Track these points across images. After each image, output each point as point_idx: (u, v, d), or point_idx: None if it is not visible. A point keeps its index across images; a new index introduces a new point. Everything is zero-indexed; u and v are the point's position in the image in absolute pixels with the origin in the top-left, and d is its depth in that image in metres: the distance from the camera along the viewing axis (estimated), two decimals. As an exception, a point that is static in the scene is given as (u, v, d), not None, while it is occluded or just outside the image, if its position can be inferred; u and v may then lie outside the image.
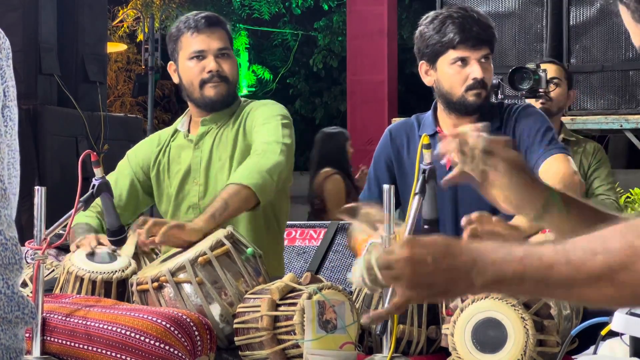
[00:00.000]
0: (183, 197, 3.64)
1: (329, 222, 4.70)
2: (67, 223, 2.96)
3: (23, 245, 2.98)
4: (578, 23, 6.46)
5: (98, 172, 3.06)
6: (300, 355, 2.68)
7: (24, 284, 3.12)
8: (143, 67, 13.08)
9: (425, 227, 2.84)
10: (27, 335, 2.77)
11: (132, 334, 2.72)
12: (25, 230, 3.74)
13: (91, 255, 3.15)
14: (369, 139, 8.68)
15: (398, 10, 10.94)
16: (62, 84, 8.45)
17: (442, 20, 3.33)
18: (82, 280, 3.05)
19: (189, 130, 3.70)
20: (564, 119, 5.80)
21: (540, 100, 4.77)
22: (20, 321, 1.79)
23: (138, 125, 9.64)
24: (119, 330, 2.74)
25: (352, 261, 4.23)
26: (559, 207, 1.93)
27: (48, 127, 8.23)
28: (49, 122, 8.25)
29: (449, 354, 2.64)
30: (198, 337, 2.73)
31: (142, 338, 2.71)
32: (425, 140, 2.82)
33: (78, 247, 3.23)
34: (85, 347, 2.78)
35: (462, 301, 2.63)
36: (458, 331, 2.59)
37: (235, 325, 2.82)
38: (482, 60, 3.33)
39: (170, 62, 3.71)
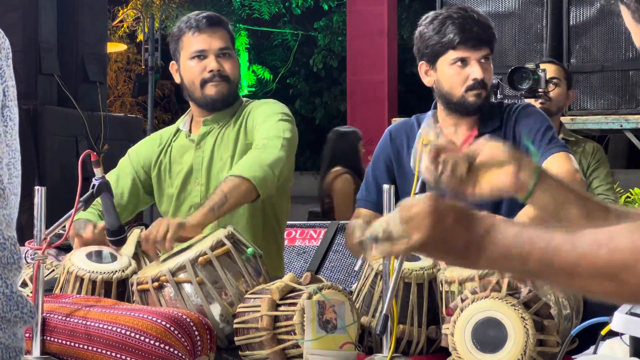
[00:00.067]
0: (185, 197, 3.64)
1: (329, 222, 4.71)
2: (67, 223, 2.96)
3: (23, 245, 2.98)
4: (578, 23, 6.46)
5: (98, 172, 3.06)
6: (300, 355, 2.68)
7: (24, 284, 3.12)
8: (143, 67, 13.09)
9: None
10: (27, 335, 2.77)
11: (132, 334, 2.72)
12: (25, 230, 3.74)
13: (91, 255, 3.15)
14: (369, 139, 8.67)
15: (398, 10, 10.94)
16: (62, 84, 8.45)
17: (442, 21, 3.33)
18: (82, 280, 3.05)
19: (190, 130, 3.71)
20: (564, 119, 5.80)
21: (540, 100, 4.77)
22: (20, 320, 1.79)
23: (138, 125, 9.64)
24: (119, 330, 2.74)
25: (352, 261, 4.24)
26: (549, 177, 1.96)
27: (48, 127, 8.23)
28: (49, 122, 8.25)
29: (449, 354, 2.64)
30: (198, 337, 2.73)
31: (142, 338, 2.71)
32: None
33: (79, 238, 3.22)
34: (85, 347, 2.78)
35: (462, 301, 2.63)
36: (458, 331, 2.59)
37: (235, 325, 2.82)
38: (482, 60, 3.34)
39: (172, 62, 3.71)
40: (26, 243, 3.03)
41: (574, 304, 2.82)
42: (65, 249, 3.37)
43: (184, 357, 2.70)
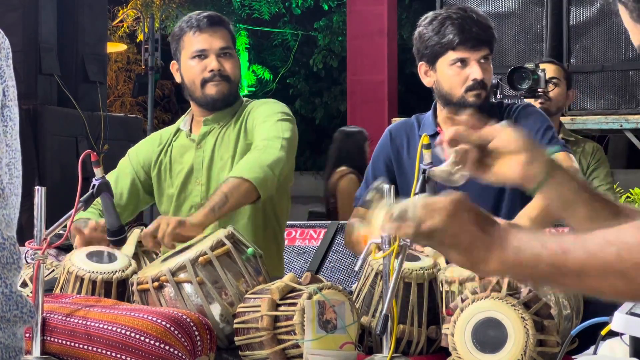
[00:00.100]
0: (185, 197, 3.64)
1: (329, 222, 4.70)
2: (67, 223, 2.96)
3: (23, 245, 2.98)
4: (578, 23, 6.46)
5: (98, 172, 3.06)
6: (300, 355, 2.68)
7: (24, 284, 3.12)
8: (143, 67, 13.09)
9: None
10: (27, 335, 2.77)
11: (132, 334, 2.72)
12: (25, 230, 3.74)
13: (91, 255, 3.15)
14: (369, 139, 8.67)
15: (398, 10, 10.94)
16: (62, 84, 8.45)
17: (441, 21, 3.33)
18: (82, 280, 3.05)
19: (191, 130, 3.71)
20: (564, 119, 5.80)
21: (539, 100, 4.77)
22: (19, 320, 1.79)
23: (138, 125, 9.64)
24: (119, 330, 2.74)
25: (352, 261, 4.23)
26: (561, 173, 1.95)
27: (48, 127, 8.23)
28: (49, 122, 8.25)
29: (449, 354, 2.64)
30: (198, 337, 2.73)
31: (142, 338, 2.71)
32: (425, 140, 2.82)
33: (81, 234, 3.23)
34: (85, 347, 2.78)
35: (462, 301, 2.63)
36: (458, 331, 2.59)
37: (235, 325, 2.82)
38: (482, 60, 3.33)
39: (173, 62, 3.71)
40: (26, 243, 3.03)
41: (574, 304, 2.82)
42: (65, 249, 3.37)
43: (184, 357, 2.70)
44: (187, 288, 2.93)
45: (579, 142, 4.86)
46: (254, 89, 16.03)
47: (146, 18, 12.94)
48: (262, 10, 15.18)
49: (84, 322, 2.80)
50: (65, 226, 2.97)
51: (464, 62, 3.33)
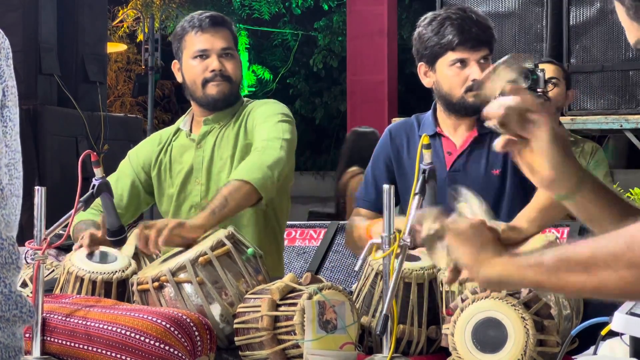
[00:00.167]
0: (185, 197, 3.64)
1: (329, 222, 4.70)
2: (67, 223, 2.96)
3: (23, 245, 2.98)
4: (578, 23, 6.46)
5: (98, 172, 3.06)
6: (301, 356, 2.68)
7: (24, 284, 3.13)
8: (143, 67, 13.08)
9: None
10: (27, 335, 2.77)
11: (132, 334, 2.72)
12: (25, 230, 3.74)
13: (91, 255, 3.15)
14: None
15: (398, 10, 10.94)
16: (62, 84, 8.45)
17: (441, 22, 3.33)
18: (82, 280, 3.06)
19: (191, 130, 3.71)
20: (564, 119, 5.80)
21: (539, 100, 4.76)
22: (18, 320, 1.79)
23: (138, 125, 9.64)
24: (119, 330, 2.74)
25: (352, 261, 4.23)
26: (589, 192, 1.93)
27: (48, 127, 8.23)
28: (49, 122, 8.25)
29: (449, 354, 2.64)
30: (198, 337, 2.74)
31: (142, 338, 2.71)
32: (425, 140, 2.82)
33: (81, 245, 3.23)
34: (85, 347, 2.78)
35: (463, 301, 2.63)
36: (458, 331, 2.59)
37: (235, 325, 2.82)
38: (482, 61, 3.33)
39: (174, 61, 3.71)
40: (26, 243, 3.03)
41: (574, 304, 2.82)
42: (66, 249, 3.37)
43: (184, 357, 2.70)
44: (187, 288, 2.93)
45: (578, 142, 4.86)
46: (254, 89, 16.02)
47: (146, 18, 12.94)
48: (262, 10, 15.17)
49: (84, 322, 2.80)
50: (65, 226, 2.97)
51: (463, 63, 3.33)
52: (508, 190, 3.33)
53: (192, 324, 2.74)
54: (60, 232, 3.03)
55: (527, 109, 1.91)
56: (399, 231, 2.73)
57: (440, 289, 2.82)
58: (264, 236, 3.58)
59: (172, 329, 2.71)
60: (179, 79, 3.72)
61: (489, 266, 1.68)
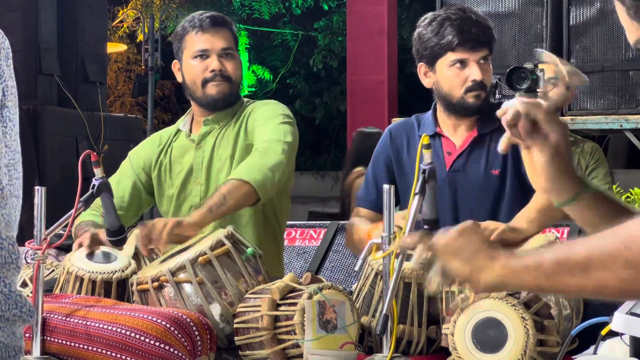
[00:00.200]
0: (185, 197, 3.64)
1: (329, 222, 4.70)
2: (67, 223, 2.96)
3: (23, 245, 2.98)
4: (578, 23, 6.46)
5: (98, 172, 3.06)
6: (301, 355, 2.68)
7: (24, 284, 3.13)
8: (143, 67, 13.08)
9: (425, 227, 2.84)
10: (27, 335, 2.77)
11: (132, 334, 2.72)
12: (25, 230, 3.74)
13: (91, 255, 3.15)
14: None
15: (398, 10, 10.93)
16: (62, 84, 8.45)
17: (440, 22, 3.33)
18: (82, 280, 3.06)
19: (190, 130, 3.71)
20: (564, 119, 5.80)
21: (539, 100, 4.76)
22: (18, 319, 1.79)
23: (138, 126, 9.64)
24: (119, 330, 2.74)
25: (352, 261, 4.24)
26: (589, 202, 1.93)
27: (48, 127, 8.23)
28: (49, 122, 8.25)
29: (449, 354, 2.64)
30: (198, 337, 2.74)
31: (142, 338, 2.71)
32: (425, 140, 2.82)
33: (80, 245, 3.23)
34: (85, 347, 2.78)
35: (463, 301, 2.63)
36: (458, 331, 2.59)
37: (235, 325, 2.82)
38: (481, 61, 3.33)
39: (175, 61, 3.71)
40: (26, 243, 3.03)
41: (574, 304, 2.82)
42: (65, 249, 3.37)
43: (184, 357, 2.70)
44: (187, 288, 2.93)
45: (578, 142, 4.86)
46: (254, 89, 16.03)
47: (146, 18, 12.94)
48: (262, 11, 15.17)
49: (84, 322, 2.80)
50: (65, 226, 2.97)
51: (463, 63, 3.33)
52: (508, 191, 3.33)
53: (192, 324, 2.74)
54: (60, 232, 3.03)
55: (540, 119, 1.95)
56: (400, 228, 2.73)
57: (440, 288, 2.82)
58: (263, 236, 3.58)
59: (172, 328, 2.71)
60: (179, 79, 3.72)
61: (486, 273, 1.67)
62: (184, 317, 2.75)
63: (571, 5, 6.46)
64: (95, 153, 3.08)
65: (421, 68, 3.41)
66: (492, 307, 2.57)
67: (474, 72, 3.31)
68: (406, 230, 2.71)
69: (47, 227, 2.88)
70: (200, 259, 2.94)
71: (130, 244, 3.25)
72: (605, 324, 2.34)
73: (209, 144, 3.63)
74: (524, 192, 3.18)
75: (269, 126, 3.48)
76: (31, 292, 2.85)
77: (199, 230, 3.12)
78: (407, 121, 3.56)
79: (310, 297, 2.69)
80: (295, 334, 2.69)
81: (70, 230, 3.08)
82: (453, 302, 2.68)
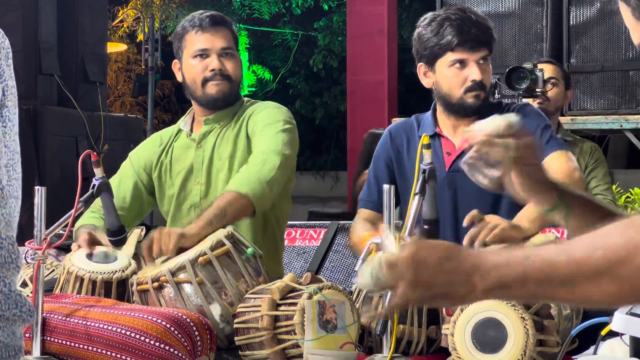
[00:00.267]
0: (185, 196, 3.64)
1: (329, 222, 4.70)
2: (67, 223, 2.96)
3: (23, 245, 2.98)
4: (578, 23, 6.46)
5: (98, 172, 3.06)
6: (301, 355, 2.68)
7: (24, 284, 3.13)
8: (143, 67, 13.08)
9: (425, 227, 2.84)
10: (27, 335, 2.77)
11: (132, 334, 2.72)
12: (25, 230, 3.74)
13: (91, 255, 3.15)
14: (364, 138, 8.67)
15: (398, 10, 10.93)
16: (62, 84, 8.45)
17: (440, 22, 3.33)
18: (82, 280, 3.06)
19: (191, 130, 3.71)
20: (564, 119, 5.80)
21: (538, 100, 4.77)
22: (18, 319, 1.79)
23: (138, 125, 9.63)
24: (119, 330, 2.74)
25: (352, 261, 4.24)
26: (566, 212, 1.93)
27: (48, 127, 8.23)
28: (49, 122, 8.24)
29: (449, 354, 2.64)
30: (198, 337, 2.74)
31: (142, 338, 2.71)
32: (425, 140, 2.82)
33: (79, 246, 3.23)
34: (85, 347, 2.78)
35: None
36: (458, 331, 2.59)
37: (235, 325, 2.83)
38: (481, 61, 3.33)
39: (175, 61, 3.71)
40: (26, 243, 3.03)
41: (578, 306, 2.82)
42: (65, 249, 3.37)
43: (184, 357, 2.70)
44: (187, 288, 2.93)
45: (577, 142, 4.86)
46: (254, 89, 16.03)
47: (146, 18, 12.94)
48: (262, 10, 15.17)
49: (84, 322, 2.80)
50: (65, 226, 2.97)
51: (462, 63, 3.33)
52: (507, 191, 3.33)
53: (192, 324, 2.74)
54: (60, 232, 3.03)
55: (501, 135, 1.95)
56: (400, 227, 2.74)
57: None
58: (264, 237, 3.58)
59: (172, 328, 2.71)
60: (180, 78, 3.72)
61: (469, 299, 1.62)
62: (184, 317, 2.75)
63: (571, 5, 6.46)
64: (95, 153, 3.08)
65: (421, 68, 3.41)
66: (491, 307, 2.57)
67: (473, 72, 3.31)
68: (406, 230, 2.71)
69: (47, 227, 2.88)
70: (200, 259, 2.94)
71: (131, 244, 3.25)
72: (605, 324, 2.34)
73: (209, 144, 3.63)
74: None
75: (268, 134, 3.47)
76: (31, 292, 2.85)
77: (198, 241, 3.11)
78: (406, 121, 3.57)
79: (310, 297, 2.69)
80: (295, 334, 2.69)
81: (70, 230, 3.08)
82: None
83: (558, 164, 3.20)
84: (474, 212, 2.96)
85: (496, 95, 4.96)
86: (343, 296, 2.74)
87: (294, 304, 2.71)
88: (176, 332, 2.71)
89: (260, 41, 16.43)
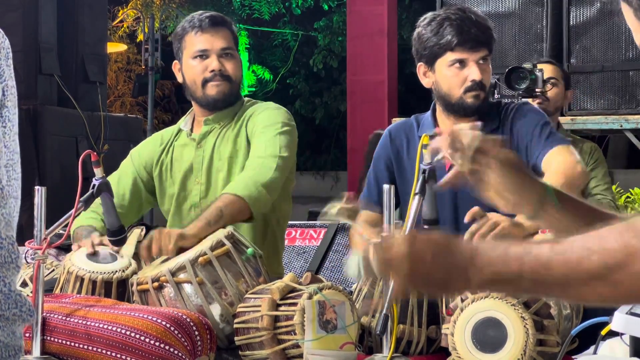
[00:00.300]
0: (185, 196, 3.64)
1: (329, 222, 4.71)
2: (67, 223, 2.96)
3: (23, 245, 2.99)
4: (578, 23, 6.46)
5: (98, 172, 3.07)
6: (301, 355, 2.68)
7: (24, 284, 3.13)
8: (143, 67, 13.08)
9: (425, 227, 2.84)
10: (27, 335, 2.77)
11: (132, 334, 2.72)
12: (25, 230, 3.75)
13: (91, 255, 3.15)
14: (369, 139, 8.67)
15: (398, 10, 10.93)
16: (62, 84, 8.45)
17: (440, 22, 3.33)
18: (82, 280, 3.06)
19: (192, 130, 3.71)
20: (564, 119, 5.81)
21: (537, 100, 4.77)
22: (18, 318, 1.79)
23: (138, 126, 9.63)
24: (119, 330, 2.74)
25: (352, 261, 4.24)
26: (555, 201, 1.92)
27: (48, 127, 8.23)
28: (49, 122, 8.24)
29: (449, 354, 2.64)
30: (198, 337, 2.74)
31: (142, 338, 2.71)
32: (425, 140, 2.82)
33: (79, 246, 3.23)
34: (85, 347, 2.78)
35: (462, 301, 2.63)
36: (458, 331, 2.59)
37: (235, 325, 2.83)
38: (481, 61, 3.33)
39: (175, 61, 3.72)
40: (26, 243, 3.03)
41: (574, 304, 2.82)
42: (65, 249, 3.37)
43: (184, 357, 2.70)
44: (187, 288, 2.94)
45: (577, 142, 4.86)
46: (254, 89, 16.03)
47: (146, 18, 12.93)
48: (262, 10, 15.17)
49: (84, 322, 2.80)
50: (65, 226, 2.98)
51: (462, 63, 3.33)
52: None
53: (192, 324, 2.74)
54: (60, 232, 3.03)
55: (477, 143, 1.95)
56: (400, 227, 2.74)
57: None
58: (264, 238, 3.58)
59: (172, 328, 2.71)
60: (180, 79, 3.72)
61: (465, 291, 1.63)
62: (184, 317, 2.75)
63: (571, 5, 6.46)
64: (95, 153, 3.08)
65: (420, 68, 3.41)
66: (491, 307, 2.57)
67: (473, 72, 3.31)
68: (406, 231, 2.71)
69: (47, 227, 2.88)
70: (200, 259, 2.94)
71: (131, 244, 3.25)
72: (605, 324, 2.34)
73: (209, 144, 3.63)
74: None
75: (266, 137, 3.48)
76: (31, 292, 2.85)
77: (197, 242, 3.12)
78: (406, 122, 3.57)
79: (310, 297, 2.69)
80: (295, 334, 2.69)
81: (70, 230, 3.09)
82: (453, 301, 2.68)
83: (560, 159, 3.19)
84: (476, 208, 2.96)
85: (496, 96, 4.96)
86: (343, 296, 2.74)
87: (294, 304, 2.71)
88: (176, 332, 2.71)
89: (260, 41, 16.43)
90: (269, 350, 2.73)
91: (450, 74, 3.33)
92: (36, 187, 2.85)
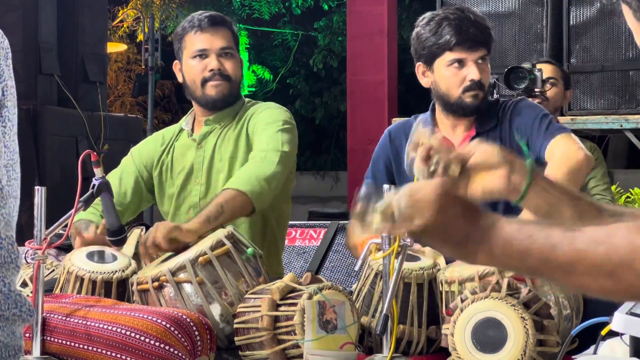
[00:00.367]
0: (185, 196, 3.64)
1: (329, 222, 4.71)
2: (67, 223, 2.96)
3: (23, 245, 2.98)
4: (578, 23, 6.46)
5: (98, 172, 3.07)
6: (301, 356, 2.68)
7: (24, 284, 3.13)
8: (143, 67, 13.08)
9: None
10: (27, 335, 2.77)
11: (132, 334, 2.72)
12: (25, 230, 3.75)
13: (91, 255, 3.16)
14: (369, 139, 8.65)
15: (398, 10, 10.92)
16: (62, 84, 8.45)
17: (439, 22, 3.33)
18: (82, 280, 3.06)
19: (192, 130, 3.71)
20: (564, 119, 5.80)
21: (537, 100, 4.77)
22: (18, 319, 1.79)
23: (138, 125, 9.63)
24: (119, 330, 2.74)
25: (352, 261, 4.24)
26: (528, 180, 1.93)
27: (48, 127, 8.23)
28: (49, 122, 8.24)
29: (449, 354, 2.64)
30: (198, 337, 2.74)
31: (142, 338, 2.71)
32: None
33: (81, 237, 3.23)
34: (85, 347, 2.78)
35: (462, 301, 2.63)
36: (458, 331, 2.59)
37: (235, 325, 2.83)
38: (479, 61, 3.33)
39: (175, 61, 3.72)
40: (26, 243, 3.03)
41: (574, 304, 2.82)
42: (65, 249, 3.37)
43: (184, 357, 2.70)
44: (187, 288, 2.94)
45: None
46: (254, 89, 16.02)
47: (146, 18, 12.93)
48: (262, 10, 15.16)
49: (84, 322, 2.80)
50: (65, 226, 2.98)
51: (461, 63, 3.33)
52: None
53: (192, 324, 2.74)
54: (60, 232, 3.03)
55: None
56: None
57: (440, 289, 2.82)
58: (262, 237, 3.58)
59: (172, 328, 2.71)
60: (180, 79, 3.72)
61: (473, 257, 1.64)
62: (184, 317, 2.75)
63: (571, 5, 6.45)
64: (95, 153, 3.09)
65: (419, 68, 3.41)
66: (491, 307, 2.57)
67: (471, 72, 3.31)
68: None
69: (47, 227, 2.88)
70: (200, 259, 2.94)
71: (131, 244, 3.25)
72: (605, 324, 2.34)
73: (210, 144, 3.63)
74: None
75: (267, 133, 3.48)
76: (31, 292, 2.85)
77: (196, 237, 3.12)
78: (406, 122, 3.57)
79: (310, 297, 2.69)
80: (295, 334, 2.69)
81: (70, 230, 3.09)
82: (453, 302, 2.68)
83: (562, 147, 3.18)
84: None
85: (495, 95, 4.96)
86: (343, 296, 2.74)
87: (294, 304, 2.71)
88: (176, 332, 2.71)
89: (260, 41, 16.43)
90: (269, 351, 2.73)
91: (449, 74, 3.33)
92: (36, 187, 2.85)
